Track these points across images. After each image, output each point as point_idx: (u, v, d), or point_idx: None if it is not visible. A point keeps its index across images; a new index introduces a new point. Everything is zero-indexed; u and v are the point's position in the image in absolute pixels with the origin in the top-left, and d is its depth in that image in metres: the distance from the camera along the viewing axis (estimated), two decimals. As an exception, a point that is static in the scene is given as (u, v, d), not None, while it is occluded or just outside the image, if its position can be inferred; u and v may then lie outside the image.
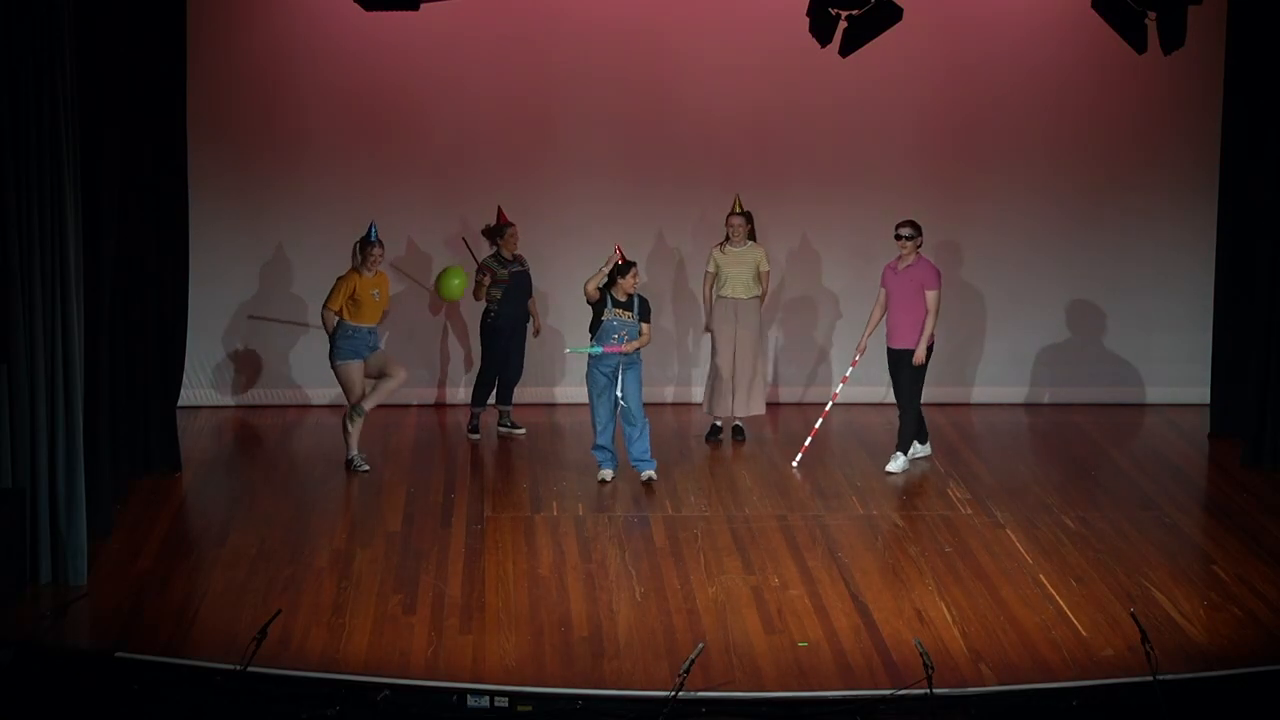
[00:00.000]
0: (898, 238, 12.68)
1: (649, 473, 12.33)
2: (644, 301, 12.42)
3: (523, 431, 13.56)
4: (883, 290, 12.82)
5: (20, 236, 9.93)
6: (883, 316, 12.84)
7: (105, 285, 10.95)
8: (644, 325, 12.33)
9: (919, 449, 12.95)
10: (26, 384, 10.04)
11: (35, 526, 10.17)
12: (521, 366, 13.53)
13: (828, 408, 13.22)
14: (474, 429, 13.51)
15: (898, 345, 12.70)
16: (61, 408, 10.15)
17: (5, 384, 10.03)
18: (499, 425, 13.61)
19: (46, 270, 10.02)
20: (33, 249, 9.96)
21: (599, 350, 12.23)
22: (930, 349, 12.62)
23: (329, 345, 12.66)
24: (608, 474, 12.39)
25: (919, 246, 12.68)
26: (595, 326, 12.31)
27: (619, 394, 12.24)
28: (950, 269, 14.39)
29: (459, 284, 13.28)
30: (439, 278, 13.39)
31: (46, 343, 10.05)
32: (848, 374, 13.12)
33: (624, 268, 12.25)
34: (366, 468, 12.60)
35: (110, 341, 11.16)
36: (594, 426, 12.43)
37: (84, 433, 10.31)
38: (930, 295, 12.58)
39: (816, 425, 13.08)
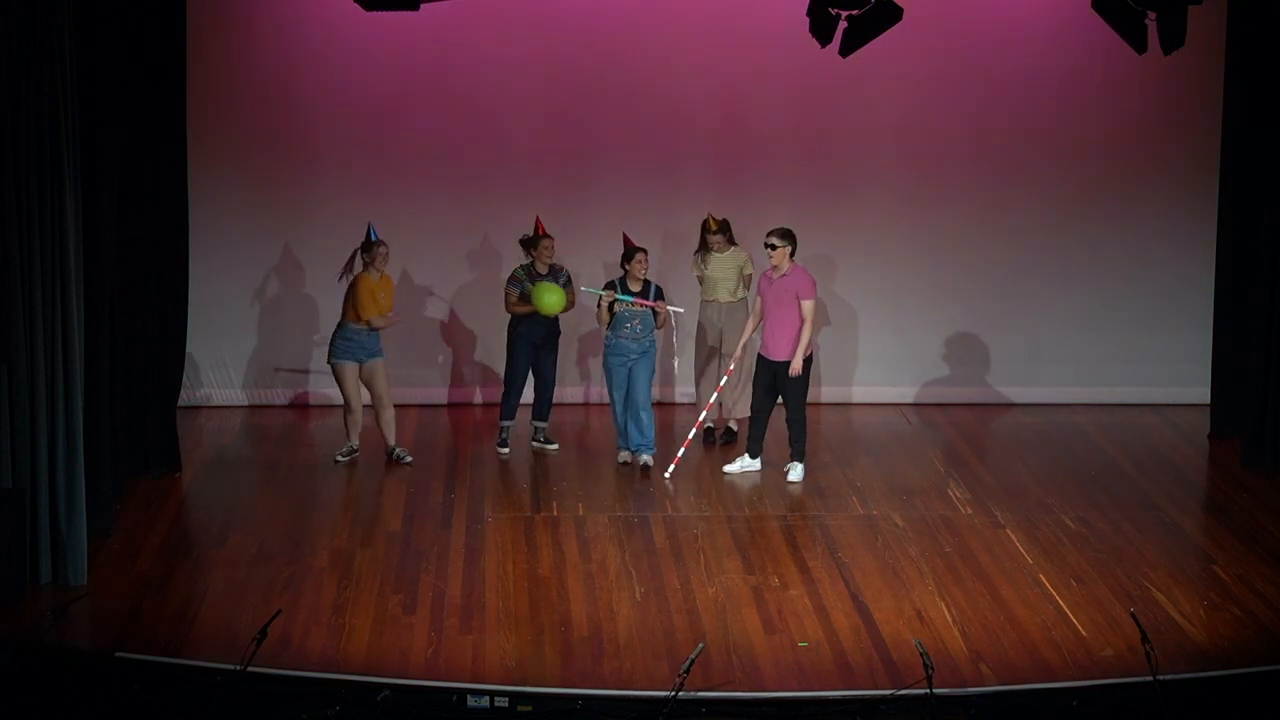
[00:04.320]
0: (766, 246, 12.31)
1: (646, 458, 12.58)
2: (659, 290, 12.64)
3: (555, 448, 13.19)
4: (759, 300, 12.49)
5: (20, 236, 9.93)
6: (757, 326, 12.55)
7: (105, 285, 10.94)
8: (659, 303, 12.52)
9: (748, 462, 12.57)
10: (26, 384, 10.04)
11: (35, 526, 10.17)
12: (554, 379, 13.20)
13: (701, 418, 12.90)
14: (502, 443, 13.14)
15: (776, 357, 12.34)
16: (61, 408, 10.15)
17: (5, 384, 10.03)
18: (532, 441, 13.25)
19: (46, 270, 10.02)
20: (33, 249, 9.96)
21: (628, 299, 12.43)
22: (809, 359, 12.30)
23: (329, 343, 12.70)
24: (626, 456, 12.73)
25: (792, 254, 12.28)
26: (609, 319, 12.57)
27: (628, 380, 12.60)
28: (950, 266, 14.38)
29: (554, 299, 12.63)
30: (533, 293, 12.71)
31: (46, 343, 10.05)
32: (722, 383, 12.85)
33: (630, 253, 12.51)
34: (341, 459, 12.65)
35: (110, 341, 11.15)
36: (615, 417, 12.78)
37: (84, 433, 10.31)
38: (806, 305, 12.20)
39: (690, 436, 12.77)
